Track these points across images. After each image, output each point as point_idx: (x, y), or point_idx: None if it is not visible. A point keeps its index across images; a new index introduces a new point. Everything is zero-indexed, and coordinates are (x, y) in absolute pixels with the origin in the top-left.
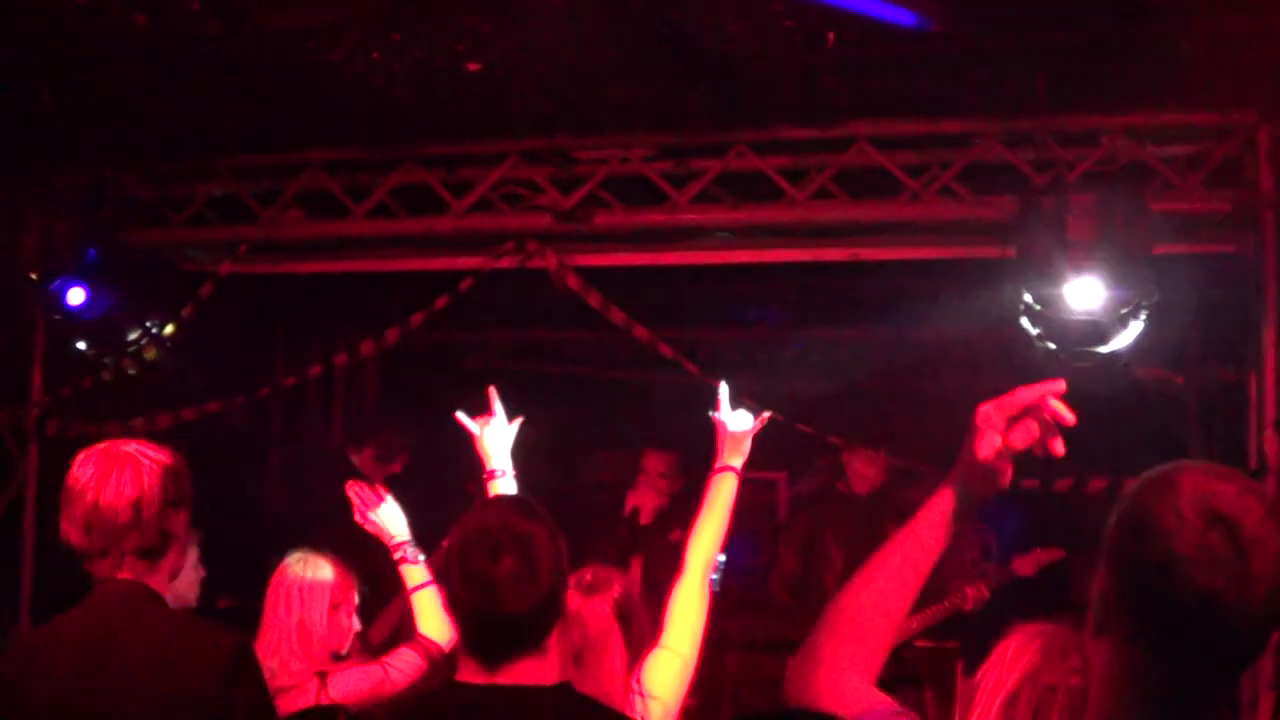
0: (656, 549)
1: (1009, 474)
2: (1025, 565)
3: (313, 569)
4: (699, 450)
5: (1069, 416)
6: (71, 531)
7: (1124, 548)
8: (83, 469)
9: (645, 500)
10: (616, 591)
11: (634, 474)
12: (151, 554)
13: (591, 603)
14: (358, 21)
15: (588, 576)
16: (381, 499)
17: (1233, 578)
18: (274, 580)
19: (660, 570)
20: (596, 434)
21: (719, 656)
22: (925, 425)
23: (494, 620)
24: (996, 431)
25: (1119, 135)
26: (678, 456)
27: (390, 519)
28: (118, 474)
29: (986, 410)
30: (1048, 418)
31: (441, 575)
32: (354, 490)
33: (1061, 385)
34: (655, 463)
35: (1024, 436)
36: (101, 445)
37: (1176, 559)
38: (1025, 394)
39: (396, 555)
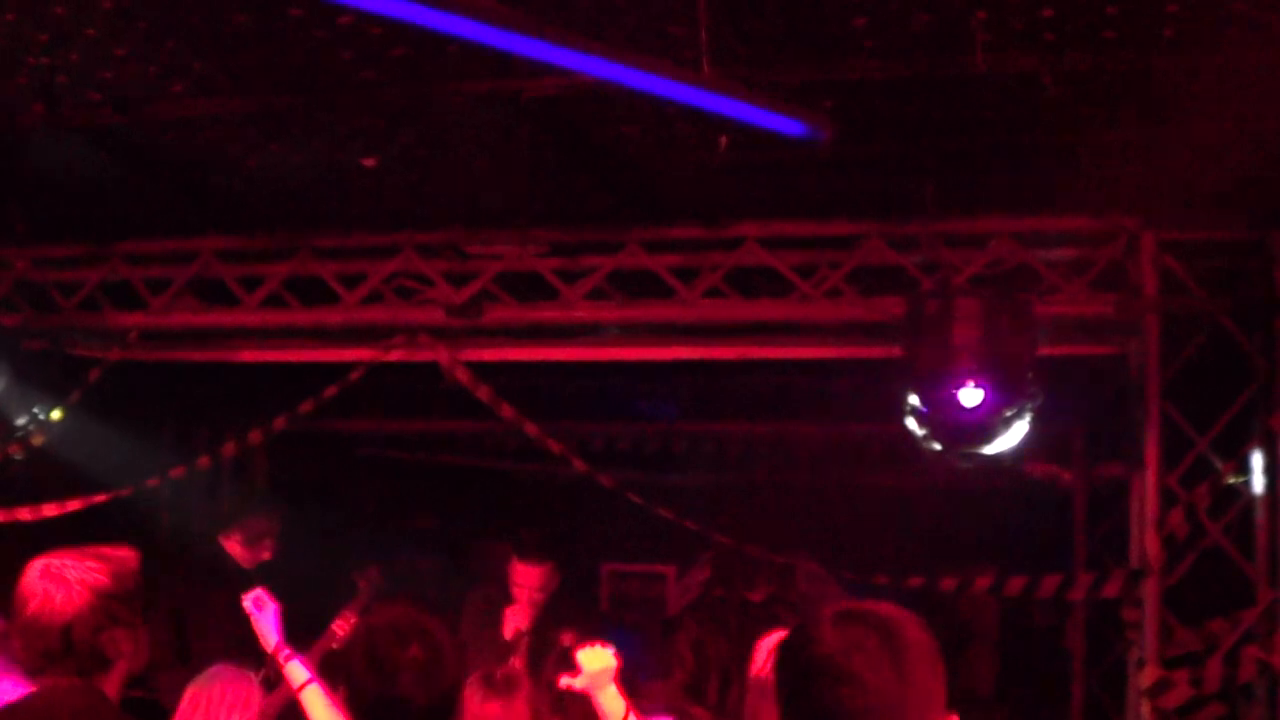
0: (545, 656)
1: None
2: None
3: (245, 683)
4: (586, 544)
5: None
6: (15, 641)
7: None
8: (27, 579)
9: (524, 616)
10: (529, 690)
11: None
12: (87, 673)
13: (512, 703)
14: (255, 115)
15: (497, 676)
16: (264, 608)
17: None
18: (201, 683)
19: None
20: (483, 525)
21: None
22: (812, 518)
23: (395, 708)
24: None
25: (1006, 239)
26: (550, 566)
27: (269, 626)
28: (51, 594)
29: None
30: None
31: (340, 665)
32: (248, 601)
33: None
34: (528, 577)
35: None
36: (55, 556)
37: None
38: None
39: (280, 657)
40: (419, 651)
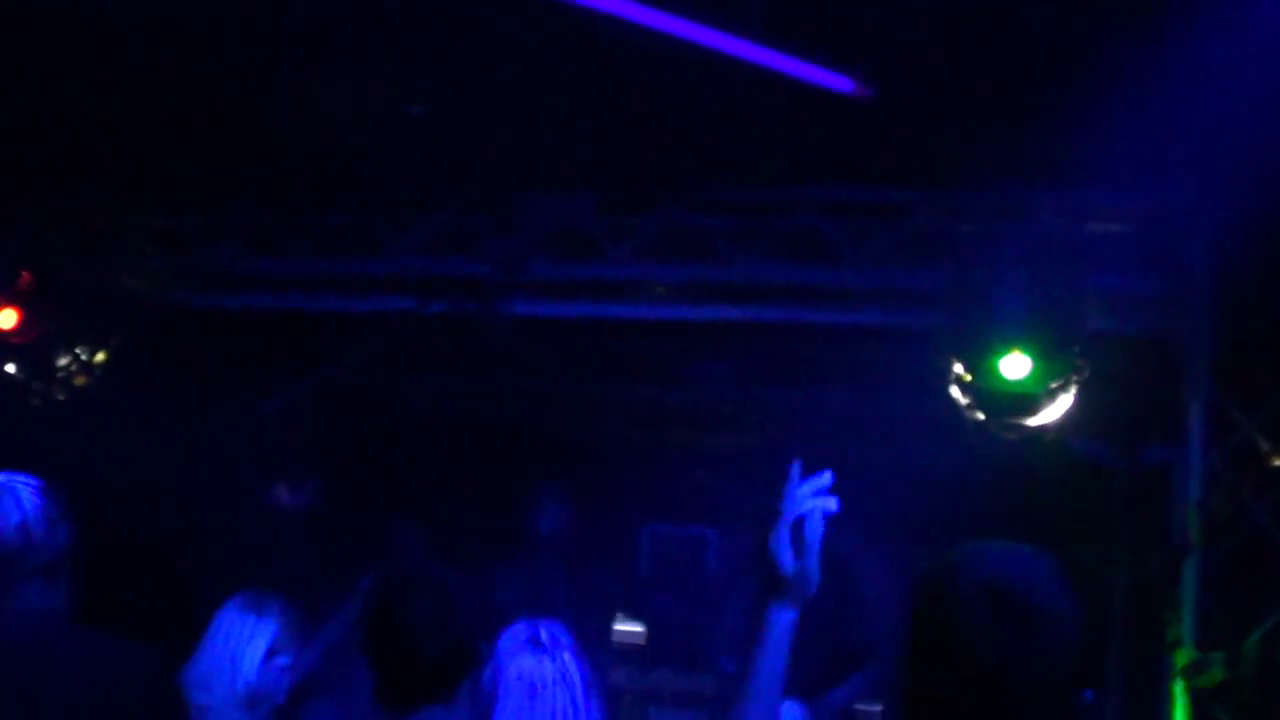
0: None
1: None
2: None
3: (259, 610)
4: (627, 506)
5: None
6: None
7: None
8: None
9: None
10: (571, 648)
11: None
12: (49, 573)
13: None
14: (299, 63)
15: (539, 634)
16: None
17: (1013, 647)
18: (219, 614)
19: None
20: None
21: (642, 710)
22: (850, 487)
23: (407, 661)
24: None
25: (1057, 211)
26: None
27: None
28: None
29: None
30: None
31: (360, 620)
32: None
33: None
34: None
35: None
36: None
37: (958, 636)
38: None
39: None
40: (429, 602)
